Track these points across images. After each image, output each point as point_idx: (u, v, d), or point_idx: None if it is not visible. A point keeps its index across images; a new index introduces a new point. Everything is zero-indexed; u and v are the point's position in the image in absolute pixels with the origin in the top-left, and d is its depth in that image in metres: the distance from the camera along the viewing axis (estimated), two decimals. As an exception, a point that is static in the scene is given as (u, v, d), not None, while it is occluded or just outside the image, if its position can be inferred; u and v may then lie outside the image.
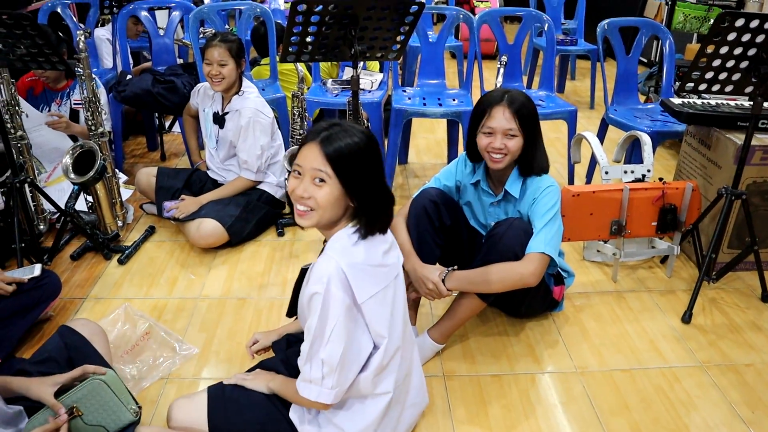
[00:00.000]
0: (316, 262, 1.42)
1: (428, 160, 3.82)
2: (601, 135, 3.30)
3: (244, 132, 2.81)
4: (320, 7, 2.29)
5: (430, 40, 3.52)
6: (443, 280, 1.94)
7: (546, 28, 3.48)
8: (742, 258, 2.47)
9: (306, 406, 1.52)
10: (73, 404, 1.48)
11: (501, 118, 1.91)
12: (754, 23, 2.11)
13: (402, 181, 3.45)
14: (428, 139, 4.11)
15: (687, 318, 2.32)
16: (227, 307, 2.35)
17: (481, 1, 6.03)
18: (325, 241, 1.52)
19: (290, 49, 2.43)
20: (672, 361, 2.12)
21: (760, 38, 2.13)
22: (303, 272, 1.55)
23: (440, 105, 3.20)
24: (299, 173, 1.41)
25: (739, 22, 2.11)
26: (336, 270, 1.37)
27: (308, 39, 2.41)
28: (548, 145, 3.94)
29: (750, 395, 1.97)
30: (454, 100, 3.31)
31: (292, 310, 1.67)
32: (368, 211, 1.44)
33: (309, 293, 1.39)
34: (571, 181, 3.35)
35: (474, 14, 3.49)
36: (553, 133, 4.16)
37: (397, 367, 1.55)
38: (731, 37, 2.14)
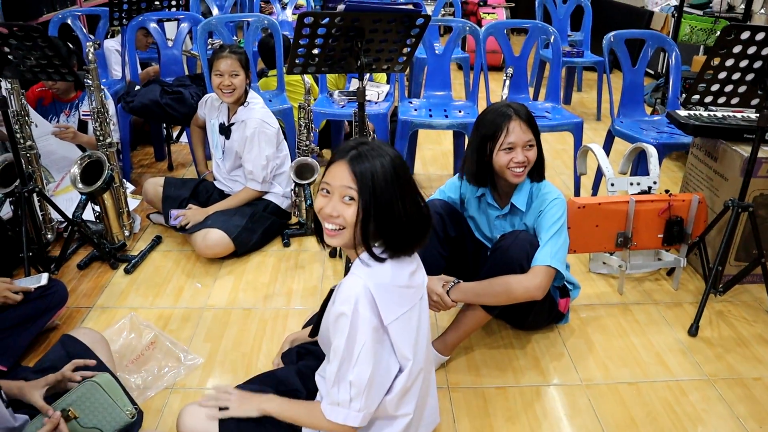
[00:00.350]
0: (343, 281, 1.41)
1: (434, 171, 3.83)
2: (608, 147, 3.30)
3: (249, 143, 2.82)
4: (327, 19, 2.30)
5: (437, 51, 3.54)
6: (448, 292, 1.94)
7: (552, 40, 3.49)
8: (749, 271, 2.45)
9: (326, 429, 1.47)
10: (68, 407, 1.49)
11: (519, 132, 1.90)
12: (760, 36, 2.11)
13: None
14: (434, 151, 4.12)
15: (694, 331, 2.30)
16: (232, 318, 2.35)
17: (488, 13, 6.05)
18: (331, 255, 1.51)
19: (297, 61, 2.44)
20: (678, 375, 2.10)
21: (766, 51, 2.14)
22: (331, 292, 1.51)
23: (446, 116, 3.21)
24: (328, 191, 1.40)
25: (745, 35, 2.11)
26: (363, 290, 1.36)
27: (315, 51, 2.42)
28: (554, 157, 3.99)
29: (758, 409, 1.95)
30: (460, 111, 3.32)
31: (316, 330, 1.61)
32: (392, 232, 1.41)
33: (336, 313, 1.37)
34: (577, 193, 3.35)
35: (480, 26, 3.51)
36: (559, 145, 4.17)
37: (419, 389, 1.53)
38: (737, 49, 2.15)
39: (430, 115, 3.21)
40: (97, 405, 1.52)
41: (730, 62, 2.18)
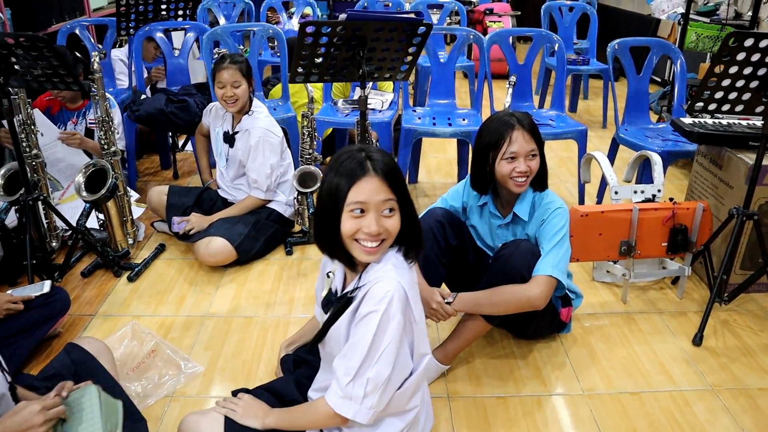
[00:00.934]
0: (372, 284, 1.39)
1: (438, 179, 3.82)
2: (612, 155, 3.28)
3: (253, 151, 2.83)
4: (328, 28, 2.31)
5: (441, 60, 3.54)
6: (448, 302, 1.93)
7: (556, 48, 3.49)
8: (755, 279, 2.43)
9: (323, 425, 1.48)
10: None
11: (522, 141, 1.90)
12: (764, 43, 2.10)
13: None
14: (439, 159, 4.11)
15: (698, 340, 2.28)
16: (234, 326, 2.35)
17: (494, 22, 6.05)
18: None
19: (299, 70, 2.46)
20: (682, 385, 2.08)
21: (769, 59, 2.12)
22: (345, 302, 1.47)
23: (450, 125, 3.20)
24: (362, 210, 1.37)
25: (749, 42, 2.10)
26: (398, 290, 1.37)
27: (317, 60, 2.43)
28: (560, 165, 3.98)
29: (763, 421, 1.93)
30: (464, 120, 3.31)
31: (322, 335, 1.55)
32: (415, 229, 1.45)
33: (365, 312, 1.37)
34: (581, 201, 3.33)
35: (486, 34, 3.51)
36: (564, 153, 4.15)
37: (424, 381, 1.56)
38: (740, 56, 2.13)
39: (434, 123, 3.21)
40: (86, 412, 1.47)
41: (733, 69, 2.17)
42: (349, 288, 1.47)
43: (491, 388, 2.04)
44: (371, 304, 1.36)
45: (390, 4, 5.38)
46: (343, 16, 2.45)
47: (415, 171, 3.70)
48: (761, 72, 2.17)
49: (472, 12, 6.14)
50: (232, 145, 2.92)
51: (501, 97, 3.71)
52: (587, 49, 5.12)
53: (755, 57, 2.13)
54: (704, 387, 2.07)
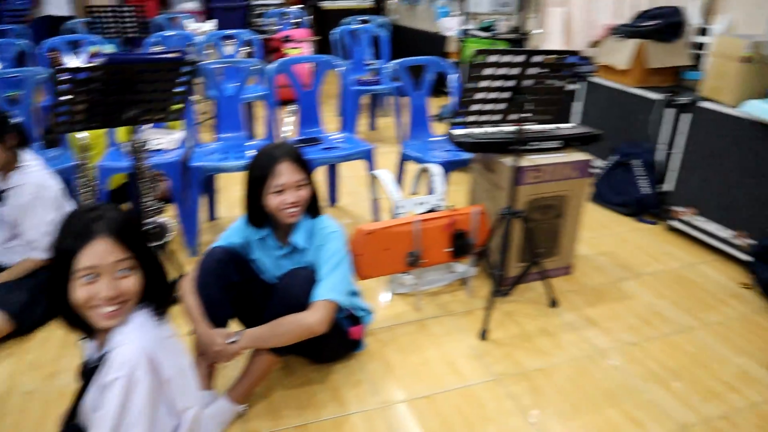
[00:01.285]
0: (112, 351, 1.33)
1: (240, 212, 3.76)
2: (402, 170, 3.46)
3: (28, 209, 2.61)
4: (85, 74, 2.21)
5: (228, 93, 3.51)
6: (234, 341, 1.91)
7: (341, 72, 3.61)
8: (526, 271, 2.68)
9: None
10: None
11: (288, 173, 1.93)
12: (506, 58, 2.33)
13: (210, 238, 3.36)
14: (241, 192, 4.06)
15: (483, 335, 2.46)
16: (10, 406, 2.13)
17: (293, 48, 6.15)
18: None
19: (60, 120, 2.31)
20: (470, 379, 2.23)
21: (514, 71, 2.36)
22: (88, 371, 1.41)
23: (240, 159, 3.17)
24: (94, 276, 1.30)
25: (492, 58, 2.31)
26: (140, 352, 1.31)
27: (78, 107, 2.31)
28: (359, 184, 4.10)
29: (539, 398, 2.13)
30: (255, 151, 3.30)
31: (72, 415, 1.49)
32: (162, 282, 1.40)
33: (108, 380, 1.30)
34: (376, 218, 3.46)
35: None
36: (363, 171, 4.28)
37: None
38: (489, 72, 2.35)
39: (225, 158, 3.17)
40: None
41: (485, 84, 2.38)
42: (96, 356, 1.40)
43: (290, 419, 2.04)
44: (114, 371, 1.31)
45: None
46: (101, 60, 2.37)
47: (212, 208, 3.62)
48: (510, 84, 2.40)
49: (270, 40, 6.18)
50: (3, 205, 2.67)
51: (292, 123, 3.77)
52: (381, 69, 5.37)
53: (502, 71, 2.35)
54: (490, 378, 2.24)
